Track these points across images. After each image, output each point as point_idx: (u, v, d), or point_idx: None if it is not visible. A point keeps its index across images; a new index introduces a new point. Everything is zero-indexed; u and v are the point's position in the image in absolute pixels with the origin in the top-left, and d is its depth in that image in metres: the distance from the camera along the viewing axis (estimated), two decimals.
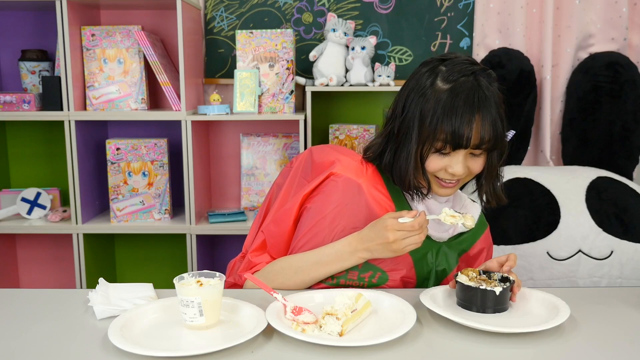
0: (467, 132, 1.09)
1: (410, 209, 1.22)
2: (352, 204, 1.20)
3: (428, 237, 1.23)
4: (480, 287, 1.05)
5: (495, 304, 1.05)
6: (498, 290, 1.04)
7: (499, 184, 1.23)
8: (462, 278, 1.08)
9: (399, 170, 1.17)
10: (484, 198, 1.24)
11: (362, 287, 1.19)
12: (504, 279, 1.10)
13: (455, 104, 1.09)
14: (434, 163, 1.14)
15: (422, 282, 1.25)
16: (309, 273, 1.18)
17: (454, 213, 1.12)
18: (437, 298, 1.11)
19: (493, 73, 1.17)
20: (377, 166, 1.26)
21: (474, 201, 1.34)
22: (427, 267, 1.24)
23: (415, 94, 1.14)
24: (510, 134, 1.21)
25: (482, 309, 1.05)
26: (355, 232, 1.16)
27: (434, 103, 1.11)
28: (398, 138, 1.17)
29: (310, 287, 1.21)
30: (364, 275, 1.19)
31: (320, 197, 1.21)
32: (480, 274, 1.12)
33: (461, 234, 1.29)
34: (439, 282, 1.26)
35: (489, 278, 1.11)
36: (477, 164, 1.16)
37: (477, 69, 1.14)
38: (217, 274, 1.03)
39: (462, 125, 1.08)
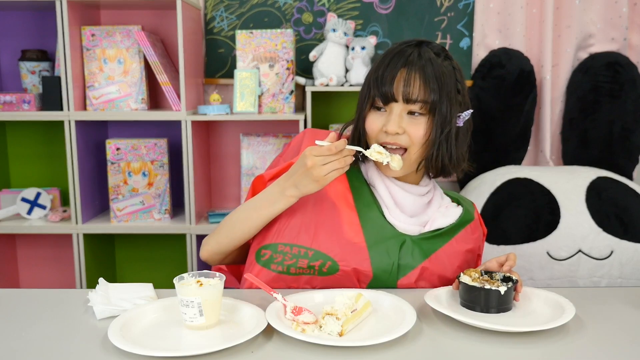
0: (388, 81, 1.13)
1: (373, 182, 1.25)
2: (295, 153, 1.27)
3: (391, 227, 1.20)
4: (484, 287, 1.05)
5: (499, 303, 1.05)
6: (503, 289, 1.04)
7: (450, 160, 1.17)
8: (465, 278, 1.08)
9: (355, 134, 1.22)
10: (429, 169, 1.21)
11: (313, 275, 1.18)
12: (506, 279, 1.10)
13: (384, 59, 1.17)
14: (372, 121, 1.18)
15: (381, 274, 1.17)
16: (246, 222, 1.21)
17: (381, 150, 1.14)
18: (441, 299, 1.11)
19: (447, 51, 1.20)
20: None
21: (457, 204, 1.31)
22: (387, 259, 1.17)
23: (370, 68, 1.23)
24: (466, 113, 1.21)
25: (486, 309, 1.05)
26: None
27: (374, 66, 1.19)
28: (357, 110, 1.23)
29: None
30: (314, 264, 1.17)
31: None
32: (482, 275, 1.12)
33: (437, 230, 1.22)
34: (401, 276, 1.19)
35: (491, 278, 1.11)
36: (416, 129, 1.14)
37: (425, 41, 1.18)
38: (217, 274, 1.02)
39: (386, 74, 1.14)
